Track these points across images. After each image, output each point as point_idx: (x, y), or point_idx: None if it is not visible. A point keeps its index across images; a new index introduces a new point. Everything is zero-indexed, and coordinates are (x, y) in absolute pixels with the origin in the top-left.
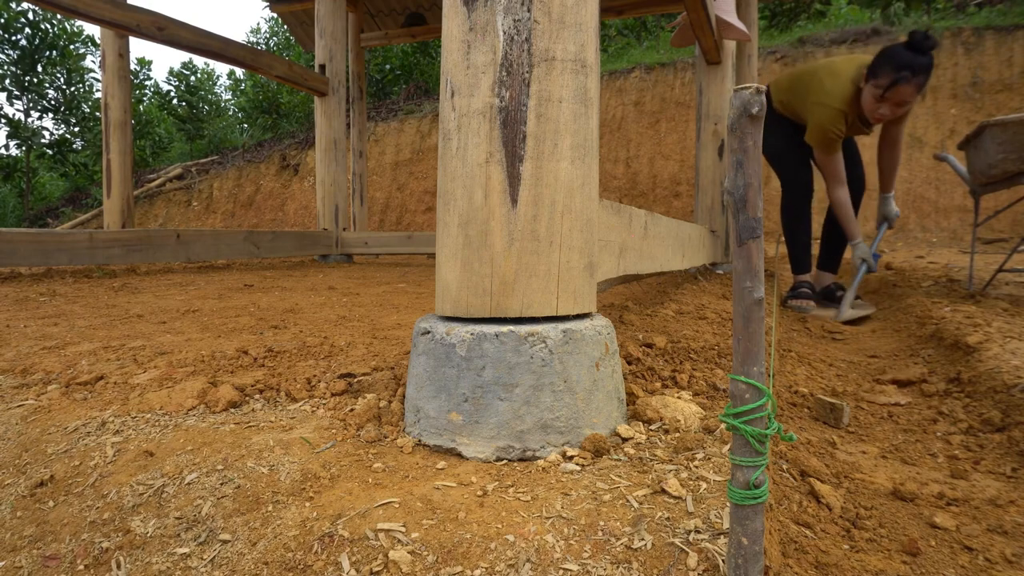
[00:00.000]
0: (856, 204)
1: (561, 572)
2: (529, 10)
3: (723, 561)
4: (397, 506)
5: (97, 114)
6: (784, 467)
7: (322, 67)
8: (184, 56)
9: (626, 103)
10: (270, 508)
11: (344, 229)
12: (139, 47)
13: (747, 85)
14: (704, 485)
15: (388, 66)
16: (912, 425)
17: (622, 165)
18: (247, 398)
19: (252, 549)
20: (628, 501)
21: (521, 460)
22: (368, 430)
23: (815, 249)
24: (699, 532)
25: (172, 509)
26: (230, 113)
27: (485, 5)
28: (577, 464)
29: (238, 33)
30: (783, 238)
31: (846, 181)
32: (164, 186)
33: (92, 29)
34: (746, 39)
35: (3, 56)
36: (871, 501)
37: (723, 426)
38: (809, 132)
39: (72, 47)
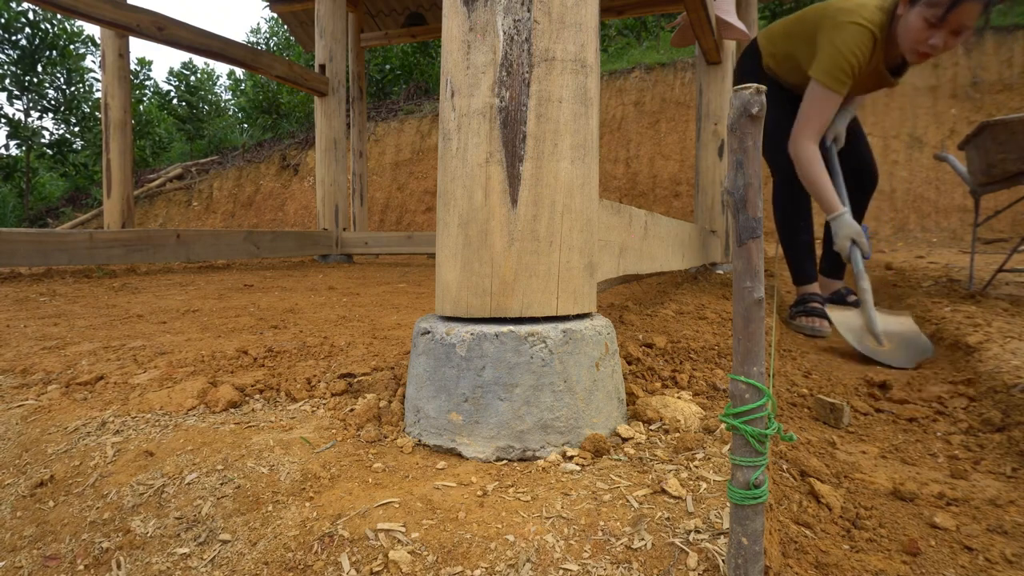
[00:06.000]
0: (866, 200)
1: (561, 572)
2: (529, 10)
3: (723, 561)
4: (397, 506)
5: (97, 114)
6: (784, 467)
7: (322, 67)
8: (184, 56)
9: (626, 103)
10: (270, 508)
11: (344, 229)
12: (139, 47)
13: (747, 85)
14: (704, 485)
15: (388, 66)
16: (912, 425)
17: (622, 165)
18: (247, 398)
19: (252, 549)
20: (628, 501)
21: (521, 460)
22: (368, 430)
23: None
24: (699, 532)
25: (172, 509)
26: (230, 113)
27: (485, 5)
28: (577, 464)
29: (238, 33)
30: (780, 240)
31: (820, 138)
32: (164, 186)
33: (92, 29)
34: (746, 39)
35: (3, 56)
36: (871, 501)
37: (723, 426)
38: (818, 60)
39: (72, 47)
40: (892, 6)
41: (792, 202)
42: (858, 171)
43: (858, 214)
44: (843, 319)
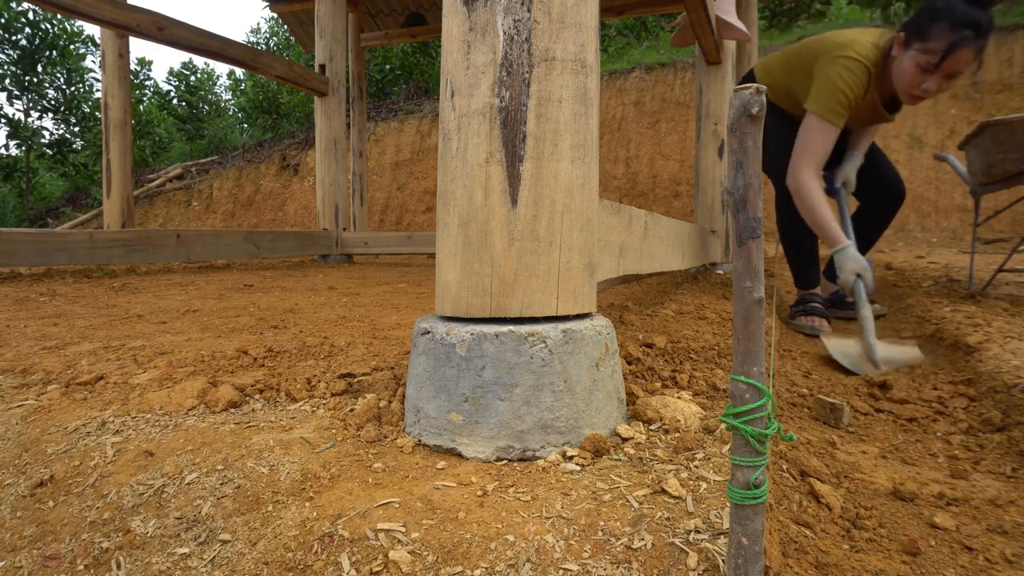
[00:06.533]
0: (890, 213)
1: (561, 572)
2: (529, 10)
3: (723, 561)
4: (397, 506)
5: (97, 114)
6: (784, 467)
7: (322, 67)
8: (184, 56)
9: (626, 103)
10: (270, 508)
11: (344, 229)
12: (139, 47)
13: (747, 85)
14: (704, 485)
15: (388, 66)
16: (912, 425)
17: (622, 165)
18: (247, 398)
19: (252, 549)
20: (628, 501)
21: (521, 460)
22: (368, 430)
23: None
24: (699, 532)
25: (172, 509)
26: (230, 113)
27: (485, 5)
28: (577, 464)
29: (238, 33)
30: (781, 246)
31: (820, 172)
32: (164, 186)
33: (92, 29)
34: (746, 39)
35: (3, 56)
36: (871, 501)
37: (723, 426)
38: (814, 92)
39: (72, 47)
40: (888, 45)
41: (791, 216)
42: (876, 182)
43: (881, 227)
44: (839, 347)
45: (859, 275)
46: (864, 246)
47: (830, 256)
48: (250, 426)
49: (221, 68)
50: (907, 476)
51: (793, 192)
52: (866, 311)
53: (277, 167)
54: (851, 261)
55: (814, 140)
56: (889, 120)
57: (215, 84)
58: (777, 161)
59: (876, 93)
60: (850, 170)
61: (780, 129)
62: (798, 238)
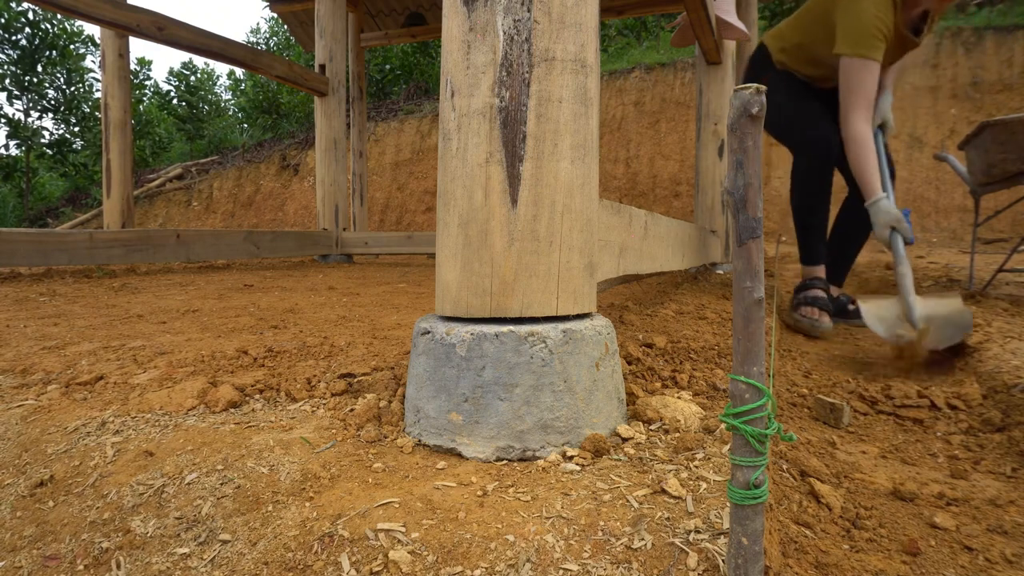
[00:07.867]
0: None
1: (561, 572)
2: (529, 10)
3: (723, 561)
4: (397, 506)
5: (97, 114)
6: (784, 467)
7: (322, 67)
8: (184, 56)
9: (626, 103)
10: (270, 508)
11: (344, 229)
12: (139, 47)
13: (747, 85)
14: (704, 485)
15: (388, 66)
16: (912, 425)
17: (622, 165)
18: (247, 398)
19: (252, 549)
20: (628, 501)
21: (521, 460)
22: (368, 430)
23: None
24: (699, 532)
25: (172, 509)
26: (230, 113)
27: (485, 5)
28: (577, 464)
29: (238, 33)
30: (782, 237)
31: (871, 113)
32: (164, 186)
33: (92, 29)
34: (746, 39)
35: (3, 56)
36: (871, 501)
37: (723, 426)
38: (843, 34)
39: (72, 47)
40: None
41: (811, 182)
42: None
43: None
44: (875, 310)
45: (894, 227)
46: (860, 226)
47: (830, 261)
48: (250, 426)
49: (221, 68)
50: (907, 476)
51: (847, 139)
52: (904, 267)
53: (277, 167)
54: (883, 214)
55: (858, 81)
56: (916, 44)
57: (215, 84)
58: (795, 130)
59: (901, 19)
60: (886, 109)
61: (796, 95)
62: (809, 211)
